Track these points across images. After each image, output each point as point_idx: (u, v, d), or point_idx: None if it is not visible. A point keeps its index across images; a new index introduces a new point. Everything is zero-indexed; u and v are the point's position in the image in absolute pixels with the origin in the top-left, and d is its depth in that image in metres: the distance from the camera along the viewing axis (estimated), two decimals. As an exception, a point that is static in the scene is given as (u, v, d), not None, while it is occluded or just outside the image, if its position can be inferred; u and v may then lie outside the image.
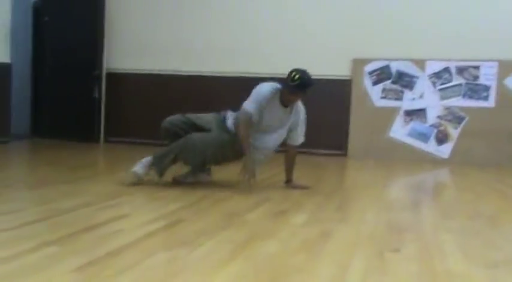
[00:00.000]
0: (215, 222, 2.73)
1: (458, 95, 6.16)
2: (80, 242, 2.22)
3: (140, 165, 3.68)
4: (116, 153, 6.23)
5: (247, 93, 6.74)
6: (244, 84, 6.72)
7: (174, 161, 3.66)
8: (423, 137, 6.24)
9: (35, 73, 7.71)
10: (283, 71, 6.53)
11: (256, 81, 6.79)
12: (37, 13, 7.64)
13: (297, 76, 3.59)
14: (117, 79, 7.20)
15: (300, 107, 3.83)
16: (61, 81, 7.24)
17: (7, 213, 2.72)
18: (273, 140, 3.79)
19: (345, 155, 6.47)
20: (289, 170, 3.94)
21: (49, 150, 6.31)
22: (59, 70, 7.27)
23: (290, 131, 3.81)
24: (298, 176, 4.62)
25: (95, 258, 1.98)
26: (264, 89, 3.72)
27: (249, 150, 3.60)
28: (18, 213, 2.74)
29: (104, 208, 2.93)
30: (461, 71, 6.15)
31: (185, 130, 3.74)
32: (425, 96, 6.24)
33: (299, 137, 3.88)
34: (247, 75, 6.69)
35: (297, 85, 3.60)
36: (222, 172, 4.12)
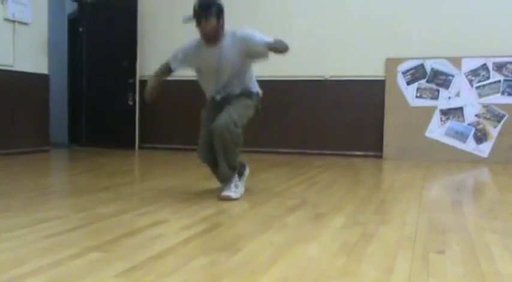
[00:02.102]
0: (253, 226, 2.72)
1: (497, 92, 6.01)
2: (122, 248, 2.24)
3: (233, 189, 3.44)
4: (151, 159, 6.30)
5: (282, 96, 6.76)
6: (279, 87, 6.77)
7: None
8: (461, 136, 6.10)
9: (71, 82, 7.90)
10: (318, 73, 6.61)
11: (290, 83, 6.82)
12: (72, 24, 7.82)
13: (194, 5, 3.33)
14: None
15: (233, 34, 3.40)
16: (97, 90, 7.40)
17: (51, 219, 2.76)
18: (236, 80, 3.48)
19: (380, 156, 6.39)
20: None
21: (87, 157, 6.43)
22: (94, 79, 7.43)
23: (251, 53, 3.40)
24: (335, 179, 4.59)
25: (137, 263, 1.99)
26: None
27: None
28: (60, 219, 2.79)
29: (143, 214, 2.95)
30: (499, 67, 6.00)
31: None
32: (462, 94, 6.10)
33: (260, 44, 3.31)
34: (281, 78, 6.70)
35: (194, 12, 3.29)
36: (256, 176, 4.10)
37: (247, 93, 3.53)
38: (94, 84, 7.45)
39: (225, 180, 3.46)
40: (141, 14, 7.18)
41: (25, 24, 6.14)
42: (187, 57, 3.54)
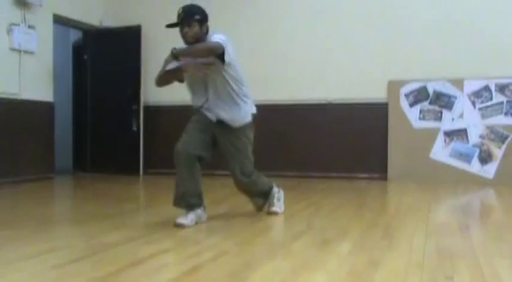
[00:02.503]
0: (260, 253, 2.71)
1: (500, 113, 6.01)
2: (127, 278, 2.23)
3: (277, 203, 3.83)
4: (156, 185, 6.30)
5: (285, 119, 6.79)
6: (282, 111, 6.80)
7: None
8: (466, 157, 6.09)
9: (75, 109, 7.95)
10: (320, 96, 6.64)
11: (293, 107, 6.84)
12: (77, 52, 7.91)
13: (178, 11, 3.36)
14: (153, 112, 7.34)
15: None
16: (101, 116, 7.44)
17: (57, 249, 2.76)
18: (222, 93, 3.44)
19: (385, 178, 6.37)
20: None
21: (92, 184, 6.44)
22: (98, 105, 7.48)
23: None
24: (341, 202, 4.57)
25: (143, 294, 1.98)
26: None
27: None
28: (67, 249, 2.78)
29: (148, 242, 2.94)
30: (501, 88, 6.01)
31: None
32: (466, 116, 6.11)
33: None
34: (284, 102, 6.74)
35: (177, 18, 3.35)
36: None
37: (244, 126, 3.52)
38: (98, 110, 7.49)
39: (263, 207, 3.82)
40: (144, 42, 7.26)
41: (31, 53, 6.21)
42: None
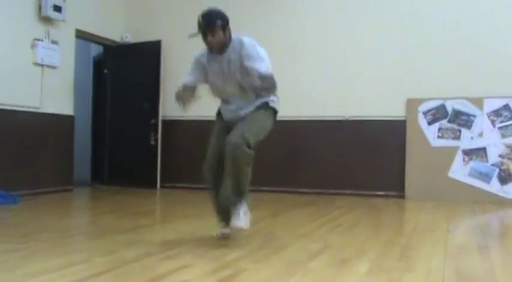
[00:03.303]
0: (278, 271, 2.71)
1: (520, 133, 5.96)
2: (147, 294, 2.25)
3: (243, 217, 3.27)
4: (173, 199, 6.34)
5: (303, 135, 6.79)
6: (300, 127, 6.81)
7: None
8: (485, 176, 6.03)
9: (95, 122, 8.06)
10: (338, 113, 6.65)
11: (310, 123, 6.86)
12: (97, 66, 8.03)
13: (198, 19, 3.29)
14: (171, 126, 7.41)
15: (237, 43, 3.31)
16: (120, 129, 7.53)
17: (76, 263, 2.79)
18: (248, 92, 3.34)
19: (402, 196, 6.33)
20: None
21: (109, 197, 6.50)
22: (117, 119, 7.57)
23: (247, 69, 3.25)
24: (358, 220, 4.56)
25: (162, 311, 1.99)
26: None
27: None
28: (84, 264, 2.81)
29: (166, 258, 2.96)
30: (522, 108, 5.97)
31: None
32: (485, 134, 6.07)
33: (256, 67, 3.18)
34: (302, 118, 6.76)
35: (199, 27, 3.28)
36: (278, 218, 4.09)
37: (263, 106, 3.38)
38: (117, 124, 7.58)
39: (225, 204, 3.31)
40: (164, 57, 7.35)
41: (53, 67, 6.33)
42: (197, 64, 3.48)
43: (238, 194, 3.26)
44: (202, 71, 3.46)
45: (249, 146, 3.16)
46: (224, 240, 3.43)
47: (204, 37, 3.29)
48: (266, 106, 3.39)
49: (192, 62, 3.53)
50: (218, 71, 3.36)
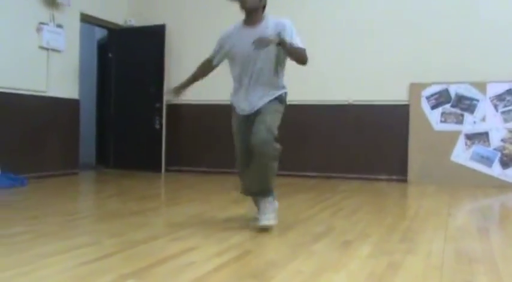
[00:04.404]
0: (282, 253, 2.78)
1: (523, 117, 5.99)
2: (156, 275, 2.32)
3: (272, 215, 3.33)
4: (178, 183, 6.41)
5: (306, 119, 6.81)
6: (304, 111, 6.84)
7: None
8: (487, 160, 6.08)
9: (99, 106, 8.10)
10: (342, 97, 6.68)
11: (314, 107, 6.89)
12: (102, 50, 8.05)
13: None
14: (176, 110, 7.45)
15: (277, 21, 3.36)
16: (124, 113, 7.58)
17: (85, 246, 2.87)
18: (268, 72, 3.37)
19: (405, 180, 6.39)
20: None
21: (115, 180, 6.58)
22: (122, 103, 7.62)
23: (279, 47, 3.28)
24: (360, 204, 4.62)
25: (171, 291, 2.07)
26: None
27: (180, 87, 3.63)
28: (94, 245, 2.89)
29: (174, 240, 3.04)
30: (525, 92, 5.99)
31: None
32: (487, 119, 6.10)
33: (295, 41, 3.28)
34: (305, 102, 6.78)
35: None
36: (282, 202, 4.14)
37: (279, 97, 3.42)
38: (122, 107, 7.63)
39: (255, 194, 3.41)
40: (168, 41, 7.37)
41: (58, 51, 6.36)
42: (223, 40, 3.47)
43: (266, 191, 3.32)
44: (223, 47, 3.47)
45: (276, 139, 3.23)
46: (229, 223, 3.51)
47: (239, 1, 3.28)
48: (280, 99, 3.43)
49: (217, 41, 3.54)
50: (246, 44, 3.23)
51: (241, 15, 3.45)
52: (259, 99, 3.37)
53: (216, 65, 3.61)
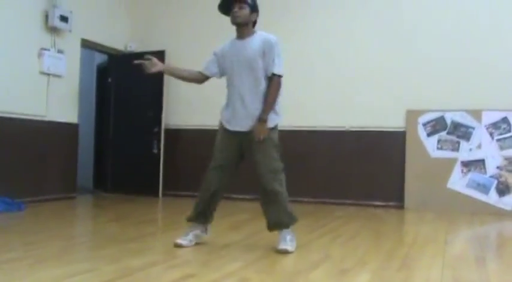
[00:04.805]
0: (280, 281, 2.78)
1: (518, 145, 6.04)
2: (154, 303, 2.32)
3: (289, 242, 3.53)
4: (175, 207, 6.40)
5: (303, 145, 6.84)
6: (301, 137, 6.89)
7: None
8: (483, 188, 6.11)
9: (98, 129, 8.14)
10: (339, 123, 6.73)
11: (311, 133, 6.93)
12: (101, 74, 8.13)
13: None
14: (174, 134, 7.49)
15: (265, 36, 3.51)
16: (123, 137, 7.61)
17: (83, 272, 2.87)
18: (251, 78, 3.49)
19: (401, 207, 6.40)
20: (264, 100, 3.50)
21: (112, 205, 6.57)
22: (120, 127, 7.65)
23: (264, 62, 3.48)
24: (358, 231, 4.62)
25: (170, 319, 2.07)
26: None
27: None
28: (93, 272, 2.88)
29: (171, 267, 3.04)
30: (520, 120, 6.05)
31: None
32: (483, 146, 6.15)
33: (274, 66, 3.47)
34: (302, 128, 6.83)
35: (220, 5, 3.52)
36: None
37: (268, 121, 3.51)
38: (120, 132, 7.66)
39: (277, 227, 3.58)
40: (167, 65, 7.43)
41: (59, 76, 6.42)
42: (216, 54, 3.65)
43: (290, 220, 3.60)
44: (217, 64, 3.65)
45: (278, 172, 3.60)
46: (226, 250, 3.51)
47: (231, 8, 3.43)
48: (271, 128, 3.57)
49: (211, 55, 3.71)
50: (237, 55, 3.50)
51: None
52: (247, 118, 3.52)
53: (206, 74, 3.73)
